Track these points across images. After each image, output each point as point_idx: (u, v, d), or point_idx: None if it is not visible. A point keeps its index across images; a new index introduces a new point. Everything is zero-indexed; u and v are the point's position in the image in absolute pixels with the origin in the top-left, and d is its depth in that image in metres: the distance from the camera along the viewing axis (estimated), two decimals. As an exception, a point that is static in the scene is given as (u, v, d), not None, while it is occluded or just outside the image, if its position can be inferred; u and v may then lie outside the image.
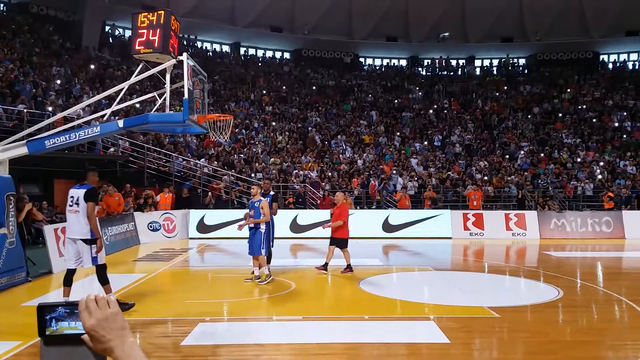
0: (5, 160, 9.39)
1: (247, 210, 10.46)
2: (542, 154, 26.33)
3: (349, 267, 10.77)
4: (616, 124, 28.99)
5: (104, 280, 7.54)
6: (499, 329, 7.16)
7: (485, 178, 23.59)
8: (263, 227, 9.77)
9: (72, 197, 7.40)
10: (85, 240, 7.36)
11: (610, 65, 37.09)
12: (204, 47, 35.09)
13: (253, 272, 10.12)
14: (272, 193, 10.57)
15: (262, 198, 9.87)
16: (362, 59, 38.66)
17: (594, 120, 29.65)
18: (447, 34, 34.91)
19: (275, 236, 10.53)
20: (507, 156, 26.33)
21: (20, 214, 10.32)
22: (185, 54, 8.43)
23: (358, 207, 20.32)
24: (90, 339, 1.35)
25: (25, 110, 16.68)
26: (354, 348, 6.15)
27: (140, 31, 8.36)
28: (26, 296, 8.95)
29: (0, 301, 8.55)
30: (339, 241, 10.84)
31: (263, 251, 9.71)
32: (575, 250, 16.56)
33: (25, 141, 9.13)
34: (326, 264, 10.85)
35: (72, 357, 1.39)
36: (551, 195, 21.91)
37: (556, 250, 15.66)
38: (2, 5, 26.76)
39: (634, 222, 18.78)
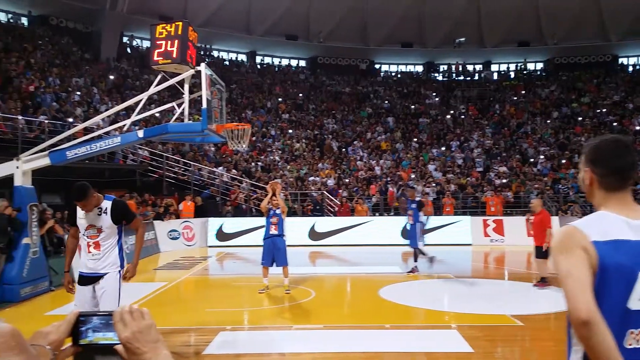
0: (28, 171, 9.55)
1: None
2: (563, 159, 25.97)
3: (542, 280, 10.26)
4: (637, 127, 28.50)
5: None
6: (522, 337, 7.06)
7: (504, 181, 23.33)
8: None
9: None
10: None
11: (630, 68, 36.53)
12: (220, 57, 35.36)
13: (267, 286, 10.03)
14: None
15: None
16: (377, 65, 38.55)
17: (615, 123, 29.18)
18: (463, 39, 34.71)
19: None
20: (530, 161, 26.01)
21: (42, 227, 10.44)
22: (203, 64, 8.50)
23: (377, 214, 20.24)
24: (124, 350, 1.36)
25: (46, 121, 16.95)
26: (376, 357, 6.11)
27: (158, 42, 8.44)
28: (49, 305, 9.05)
29: (24, 310, 8.66)
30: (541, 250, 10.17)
31: None
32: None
33: (47, 152, 9.27)
34: (542, 278, 10.34)
35: None
36: (573, 200, 21.58)
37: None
38: (23, 18, 27.28)
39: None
